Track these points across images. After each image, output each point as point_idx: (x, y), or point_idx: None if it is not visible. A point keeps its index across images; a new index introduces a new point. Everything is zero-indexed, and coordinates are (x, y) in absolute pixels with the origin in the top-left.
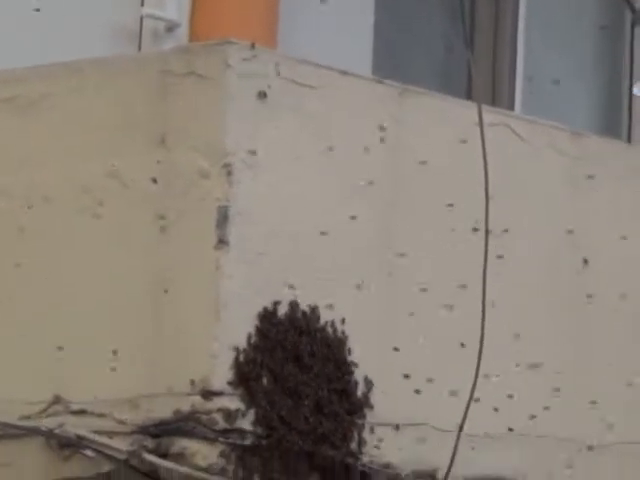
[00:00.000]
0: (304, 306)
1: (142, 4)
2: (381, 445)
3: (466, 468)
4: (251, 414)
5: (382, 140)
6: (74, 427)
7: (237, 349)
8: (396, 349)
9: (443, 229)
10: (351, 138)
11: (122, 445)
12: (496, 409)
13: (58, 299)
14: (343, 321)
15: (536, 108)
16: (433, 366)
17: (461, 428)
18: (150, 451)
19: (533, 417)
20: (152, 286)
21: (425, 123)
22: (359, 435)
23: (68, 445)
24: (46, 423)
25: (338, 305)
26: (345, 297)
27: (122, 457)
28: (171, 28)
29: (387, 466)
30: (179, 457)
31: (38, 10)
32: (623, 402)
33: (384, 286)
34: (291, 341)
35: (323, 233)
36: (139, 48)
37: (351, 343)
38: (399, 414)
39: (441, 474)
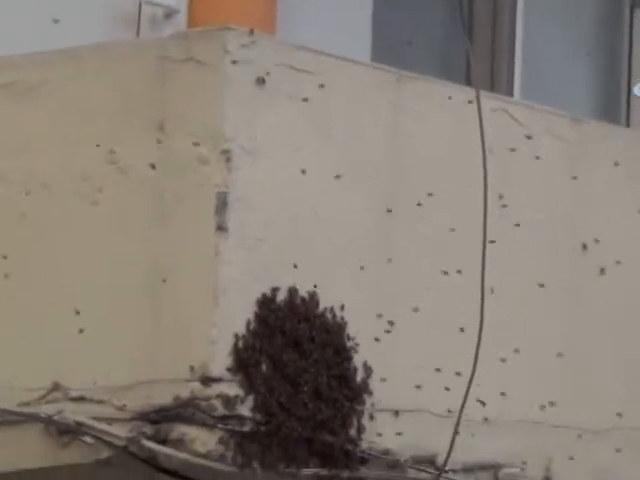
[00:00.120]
0: (303, 292)
1: None
2: (380, 431)
3: (465, 454)
4: (250, 400)
5: (380, 126)
6: (73, 414)
7: (236, 335)
8: (395, 335)
9: (442, 214)
10: (349, 124)
11: (121, 431)
12: (495, 396)
13: (57, 285)
14: (342, 307)
15: (535, 94)
16: (432, 352)
17: (460, 414)
18: (149, 437)
19: (533, 404)
20: (151, 272)
21: (423, 109)
22: (358, 421)
23: (67, 432)
24: (45, 410)
25: (337, 291)
26: (344, 283)
27: (121, 443)
28: (170, 14)
29: (386, 452)
30: (178, 443)
31: None
32: (623, 388)
33: (383, 272)
34: (290, 327)
35: (322, 219)
36: (137, 34)
37: (350, 329)
38: (398, 400)
39: (440, 460)
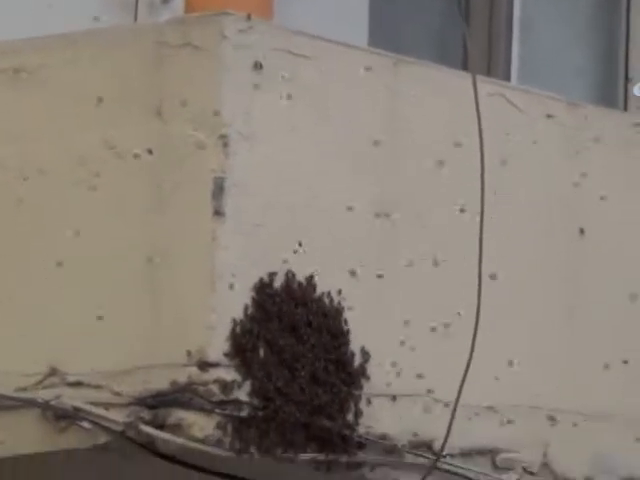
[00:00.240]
0: (300, 277)
1: None
2: (378, 416)
3: (463, 439)
4: (247, 385)
5: (377, 110)
6: (70, 399)
7: (233, 320)
8: (393, 319)
9: (440, 199)
10: (347, 108)
11: (118, 417)
12: (493, 380)
13: (54, 271)
14: (340, 292)
15: (532, 78)
16: (430, 336)
17: (457, 399)
18: (147, 422)
19: (530, 388)
20: (148, 257)
21: (420, 93)
22: (356, 406)
23: (64, 417)
24: (42, 395)
25: (334, 276)
26: (342, 268)
27: (118, 429)
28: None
29: (383, 437)
30: (176, 428)
31: None
32: (621, 373)
33: (382, 256)
34: (287, 312)
35: (319, 204)
36: (135, 19)
37: (347, 314)
38: (396, 385)
39: (437, 445)
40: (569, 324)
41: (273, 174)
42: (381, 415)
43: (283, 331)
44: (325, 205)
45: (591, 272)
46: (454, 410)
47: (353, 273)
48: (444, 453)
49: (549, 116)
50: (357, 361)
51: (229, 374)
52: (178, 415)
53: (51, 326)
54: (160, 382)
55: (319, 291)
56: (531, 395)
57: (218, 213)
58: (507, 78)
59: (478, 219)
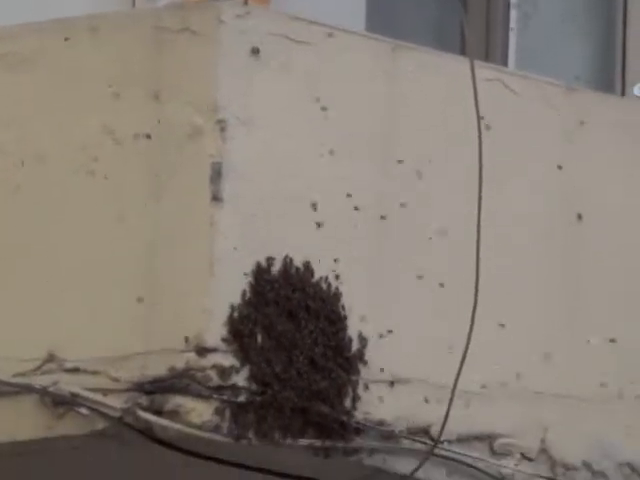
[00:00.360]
0: (298, 262)
1: None
2: (375, 402)
3: (460, 425)
4: (245, 371)
5: (376, 96)
6: (68, 385)
7: (231, 306)
8: (391, 305)
9: (437, 185)
10: (344, 94)
11: (116, 403)
12: (491, 365)
13: (52, 256)
14: (337, 277)
15: (530, 64)
16: (428, 321)
17: (455, 385)
18: (144, 408)
19: (529, 373)
20: (146, 242)
21: (418, 79)
22: (353, 392)
23: (62, 403)
24: (40, 381)
25: (333, 261)
26: (340, 253)
27: (116, 415)
28: None
29: (381, 423)
30: (173, 414)
31: None
32: (617, 357)
33: (380, 242)
34: (285, 297)
35: (317, 188)
36: (133, 5)
37: (345, 299)
38: (394, 371)
39: (435, 431)
40: (568, 309)
41: (271, 159)
42: (379, 401)
43: (281, 316)
44: (323, 190)
45: (589, 258)
46: (452, 396)
47: (352, 259)
48: (442, 439)
49: (547, 101)
50: (355, 346)
51: (227, 360)
52: (176, 401)
53: (49, 312)
54: (158, 368)
55: (317, 276)
56: (529, 380)
57: (216, 198)
58: (505, 64)
59: (476, 204)
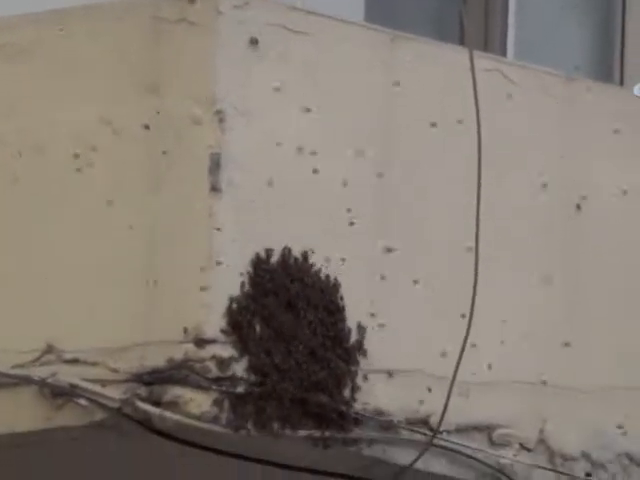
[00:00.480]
0: (297, 253)
1: None
2: (374, 392)
3: (459, 415)
4: (244, 362)
5: (374, 86)
6: (67, 376)
7: (230, 297)
8: (390, 296)
9: (435, 175)
10: (343, 84)
11: (115, 394)
12: (490, 356)
13: (51, 248)
14: (336, 268)
15: (528, 54)
16: (428, 312)
17: (454, 375)
18: (143, 399)
19: (527, 364)
20: (144, 233)
21: (417, 69)
22: (352, 382)
23: (61, 394)
24: (39, 372)
25: (331, 252)
26: (339, 244)
27: (115, 405)
28: None
29: (380, 413)
30: (172, 405)
31: None
32: (617, 350)
33: (379, 231)
34: (284, 288)
35: (316, 179)
36: None
37: (344, 289)
38: (392, 361)
39: (434, 421)
40: (567, 300)
41: (269, 149)
42: (378, 391)
43: (280, 307)
44: (322, 180)
45: (588, 247)
46: (451, 386)
47: (351, 249)
48: (441, 429)
49: (546, 91)
50: (354, 337)
51: (226, 351)
52: (175, 392)
53: (48, 303)
54: (157, 359)
55: (316, 267)
56: (528, 371)
57: (215, 189)
58: (503, 55)
59: (474, 195)
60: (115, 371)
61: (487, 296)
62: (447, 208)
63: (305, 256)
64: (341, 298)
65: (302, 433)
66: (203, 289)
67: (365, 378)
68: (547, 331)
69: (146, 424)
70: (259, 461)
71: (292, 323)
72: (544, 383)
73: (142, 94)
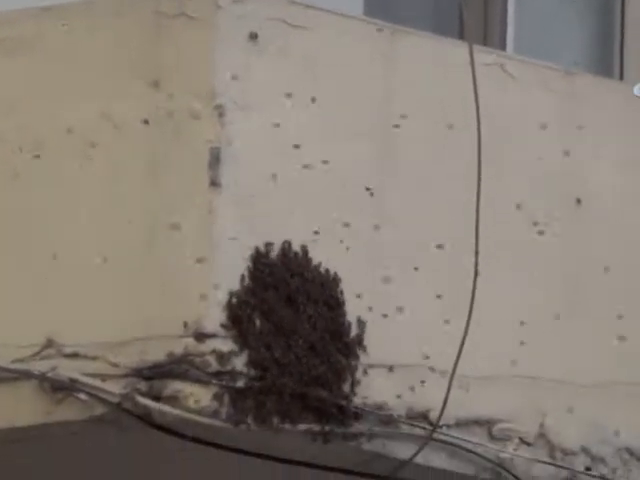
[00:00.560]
0: (296, 247)
1: None
2: (374, 386)
3: (459, 409)
4: (244, 356)
5: (374, 80)
6: (67, 370)
7: (230, 291)
8: (390, 290)
9: (436, 169)
10: (343, 78)
11: (115, 388)
12: (490, 350)
13: (51, 242)
14: (336, 262)
15: (528, 48)
16: (428, 306)
17: (454, 369)
18: (143, 394)
19: (527, 359)
20: (144, 228)
21: (417, 63)
22: (352, 376)
23: (61, 388)
24: (39, 366)
25: (331, 246)
26: (338, 237)
27: (115, 400)
28: None
29: (380, 407)
30: (172, 400)
31: None
32: (617, 343)
33: (380, 226)
34: (284, 282)
35: (316, 173)
36: None
37: (344, 284)
38: (392, 355)
39: (434, 415)
40: (567, 296)
41: (269, 144)
42: (377, 385)
43: (279, 301)
44: (321, 174)
45: (588, 242)
46: (451, 380)
47: (351, 243)
48: (441, 424)
49: (546, 85)
50: (353, 331)
51: (225, 345)
52: (175, 386)
53: (48, 298)
54: (157, 353)
55: (315, 261)
56: (528, 366)
57: (214, 184)
58: (503, 48)
59: (475, 192)
60: (115, 365)
61: (488, 290)
62: (447, 201)
63: (305, 250)
64: (341, 292)
65: (302, 427)
66: (203, 284)
67: (365, 372)
68: (545, 326)
69: (146, 419)
70: (259, 455)
71: (292, 317)
72: (544, 378)
73: (142, 89)
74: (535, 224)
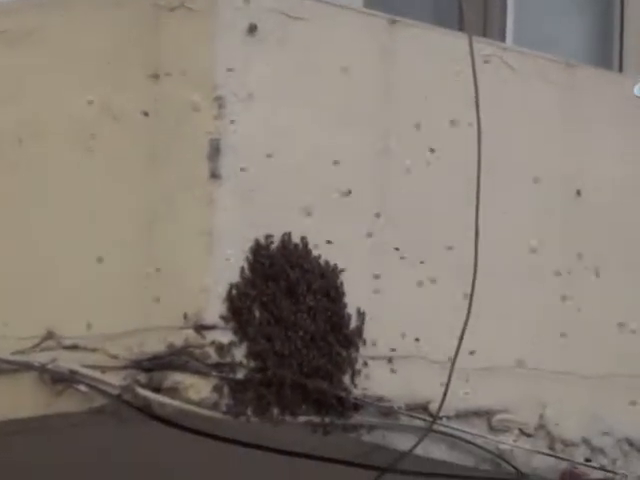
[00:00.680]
0: (296, 239)
1: None
2: (374, 378)
3: (459, 401)
4: (244, 348)
5: (373, 72)
6: (67, 362)
7: (230, 283)
8: (390, 281)
9: (435, 161)
10: (342, 70)
11: (115, 380)
12: (490, 342)
13: (51, 234)
14: (336, 253)
15: (528, 40)
16: (427, 298)
17: (454, 361)
18: (143, 386)
19: (528, 350)
20: (145, 220)
21: (416, 55)
22: (352, 368)
23: (61, 380)
24: (39, 358)
25: (331, 237)
26: (338, 230)
27: (115, 392)
28: None
29: (380, 399)
30: (172, 391)
31: None
32: (616, 334)
33: (378, 218)
34: (284, 274)
35: (316, 164)
36: None
37: (345, 276)
38: (392, 347)
39: (434, 407)
40: (568, 289)
41: (269, 135)
42: (377, 377)
43: (279, 293)
44: (322, 165)
45: (588, 234)
46: (450, 372)
47: (351, 235)
48: (440, 415)
49: (545, 77)
50: (353, 323)
51: (225, 337)
52: (174, 378)
53: (48, 290)
54: (156, 345)
55: (315, 253)
56: (528, 357)
57: (214, 175)
58: (502, 39)
59: (474, 180)
60: (115, 357)
61: (488, 283)
62: (447, 195)
63: (305, 242)
64: (341, 284)
65: (302, 419)
66: (203, 275)
67: (365, 364)
68: (549, 317)
69: (146, 410)
70: (259, 447)
71: (292, 309)
72: (544, 369)
73: (142, 80)
74: (535, 215)
